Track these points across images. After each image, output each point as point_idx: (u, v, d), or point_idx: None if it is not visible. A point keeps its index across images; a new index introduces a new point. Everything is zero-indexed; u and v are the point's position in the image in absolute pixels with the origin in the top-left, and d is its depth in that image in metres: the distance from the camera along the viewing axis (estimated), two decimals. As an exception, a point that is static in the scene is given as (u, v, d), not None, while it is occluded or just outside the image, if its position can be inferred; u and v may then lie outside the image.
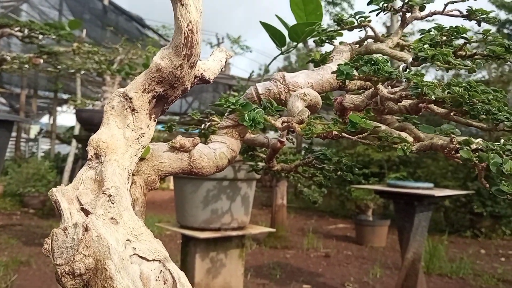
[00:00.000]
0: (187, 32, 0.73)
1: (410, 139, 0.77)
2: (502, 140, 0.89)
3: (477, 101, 0.81)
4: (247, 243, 4.94)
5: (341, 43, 1.16)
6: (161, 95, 0.79)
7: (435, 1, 1.10)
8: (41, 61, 3.22)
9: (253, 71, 3.21)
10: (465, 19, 1.09)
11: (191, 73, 0.79)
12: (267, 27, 1.56)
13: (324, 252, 4.96)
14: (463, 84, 0.71)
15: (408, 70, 0.87)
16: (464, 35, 0.98)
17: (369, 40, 1.19)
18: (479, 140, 0.83)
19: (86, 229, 0.61)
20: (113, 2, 9.63)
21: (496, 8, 9.54)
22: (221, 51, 0.88)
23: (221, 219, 2.38)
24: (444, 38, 0.99)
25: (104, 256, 0.60)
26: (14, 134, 9.96)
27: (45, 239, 0.61)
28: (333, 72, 0.74)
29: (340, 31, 1.24)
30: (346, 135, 0.65)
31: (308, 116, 0.74)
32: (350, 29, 1.18)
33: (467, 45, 1.03)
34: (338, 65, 0.67)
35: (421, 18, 1.10)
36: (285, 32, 1.56)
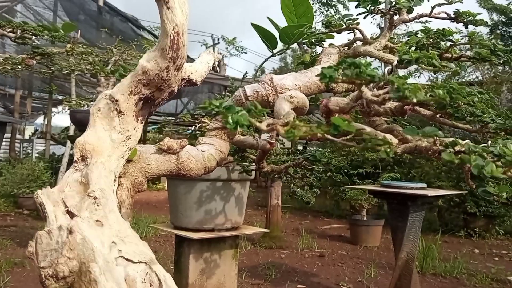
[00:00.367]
0: (173, 35, 0.73)
1: (395, 141, 0.77)
2: (489, 142, 0.90)
3: (461, 104, 0.82)
4: (242, 243, 4.94)
5: (330, 45, 1.16)
6: (148, 97, 0.79)
7: (423, 4, 1.11)
8: (34, 62, 3.21)
9: (246, 72, 3.21)
10: (452, 21, 1.10)
11: (178, 76, 0.79)
12: (258, 29, 1.57)
13: (318, 252, 4.96)
14: (446, 86, 0.72)
15: (393, 72, 0.88)
16: (450, 37, 0.98)
17: (358, 42, 1.19)
18: (467, 141, 0.84)
19: (70, 232, 0.61)
20: (108, 3, 9.60)
21: (488, 11, 9.62)
22: (208, 53, 0.89)
23: (215, 220, 2.38)
24: (431, 40, 0.99)
25: (88, 259, 0.60)
26: (8, 135, 9.91)
27: (29, 241, 0.61)
28: (317, 75, 0.74)
29: (331, 34, 1.25)
30: (330, 137, 0.66)
31: (294, 118, 0.75)
32: (339, 32, 1.19)
33: (454, 47, 1.04)
34: (321, 68, 0.68)
35: (409, 21, 1.11)
36: (277, 34, 1.57)
